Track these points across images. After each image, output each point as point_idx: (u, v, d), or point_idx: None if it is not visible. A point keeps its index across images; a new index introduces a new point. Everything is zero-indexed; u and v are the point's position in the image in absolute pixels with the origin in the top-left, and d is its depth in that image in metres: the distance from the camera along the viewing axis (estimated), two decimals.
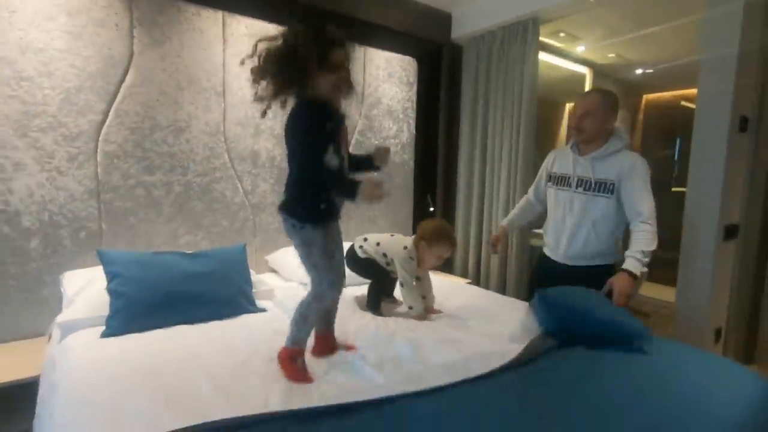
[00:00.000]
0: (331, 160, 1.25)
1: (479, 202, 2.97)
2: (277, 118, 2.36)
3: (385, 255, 1.85)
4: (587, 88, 3.82)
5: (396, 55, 2.81)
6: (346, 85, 1.28)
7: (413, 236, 1.87)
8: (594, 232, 1.75)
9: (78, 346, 1.41)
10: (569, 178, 1.83)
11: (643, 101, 4.66)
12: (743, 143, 2.08)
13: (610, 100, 1.74)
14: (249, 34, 2.22)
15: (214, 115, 2.16)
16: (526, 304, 1.88)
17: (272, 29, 2.26)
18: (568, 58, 3.52)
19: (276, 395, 1.12)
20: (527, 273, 2.78)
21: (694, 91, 2.04)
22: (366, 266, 1.89)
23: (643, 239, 1.61)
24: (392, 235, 1.93)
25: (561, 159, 1.91)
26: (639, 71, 3.94)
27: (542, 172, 2.01)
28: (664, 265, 3.34)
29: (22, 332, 1.75)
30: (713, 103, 1.95)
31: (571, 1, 2.34)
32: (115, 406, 1.05)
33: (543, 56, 2.95)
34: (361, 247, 1.90)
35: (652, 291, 4.04)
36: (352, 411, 1.02)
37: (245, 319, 1.71)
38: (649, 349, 1.39)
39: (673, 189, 4.28)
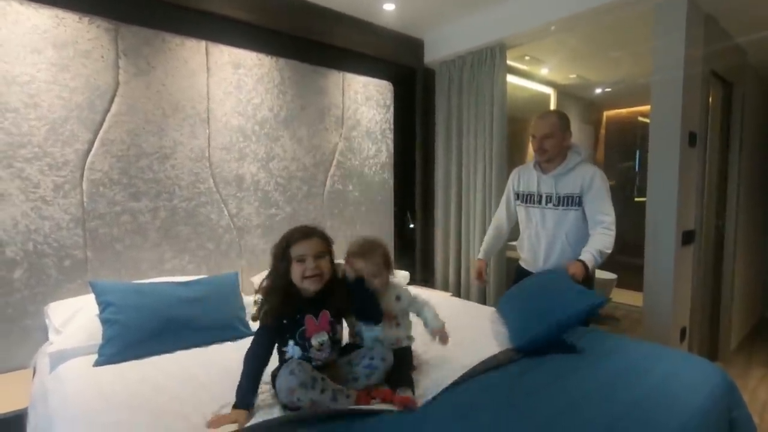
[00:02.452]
0: (292, 351, 1.25)
1: (457, 217, 3.09)
2: (261, 142, 2.44)
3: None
4: (552, 106, 4.06)
5: (373, 79, 2.94)
6: (311, 276, 1.25)
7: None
8: (568, 243, 1.89)
9: (72, 375, 1.41)
10: (535, 195, 1.97)
11: (604, 117, 4.96)
12: (693, 156, 2.28)
13: (564, 120, 1.92)
14: (232, 62, 2.30)
15: (199, 141, 2.20)
16: (494, 311, 2.00)
17: (254, 57, 2.37)
18: (533, 79, 3.75)
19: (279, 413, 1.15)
20: (506, 283, 2.90)
21: (648, 107, 2.24)
22: None
23: (601, 241, 1.77)
24: None
25: (525, 177, 2.05)
26: (599, 90, 4.22)
27: (509, 190, 2.13)
28: (632, 271, 3.53)
29: (4, 365, 1.72)
30: (664, 120, 2.15)
31: (533, 29, 2.53)
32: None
33: (511, 78, 3.14)
34: None
35: (623, 297, 4.25)
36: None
37: (242, 342, 1.69)
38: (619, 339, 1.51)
39: (636, 199, 4.55)
